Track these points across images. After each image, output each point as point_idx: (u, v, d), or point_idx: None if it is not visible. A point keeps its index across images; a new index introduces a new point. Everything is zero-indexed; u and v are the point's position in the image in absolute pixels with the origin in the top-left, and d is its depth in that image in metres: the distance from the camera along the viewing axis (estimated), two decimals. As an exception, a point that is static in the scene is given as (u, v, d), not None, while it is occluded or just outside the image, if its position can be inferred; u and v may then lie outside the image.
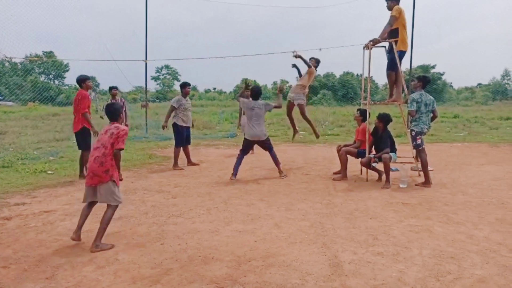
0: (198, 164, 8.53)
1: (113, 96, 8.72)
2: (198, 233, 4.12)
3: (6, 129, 14.78)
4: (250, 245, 3.76)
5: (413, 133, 6.46)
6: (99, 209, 4.96)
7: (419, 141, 6.42)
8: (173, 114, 8.29)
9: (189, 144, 8.58)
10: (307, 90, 8.64)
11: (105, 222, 3.73)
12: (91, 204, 3.93)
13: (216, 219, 4.61)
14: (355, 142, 7.26)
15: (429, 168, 6.62)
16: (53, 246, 3.75)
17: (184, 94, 8.34)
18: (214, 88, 68.47)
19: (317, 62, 8.65)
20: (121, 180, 4.06)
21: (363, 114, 7.09)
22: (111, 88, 8.85)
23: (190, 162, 8.50)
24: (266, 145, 7.25)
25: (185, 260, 3.42)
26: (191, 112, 8.60)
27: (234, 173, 7.01)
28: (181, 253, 3.56)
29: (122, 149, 3.82)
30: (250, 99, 7.29)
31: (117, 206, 3.87)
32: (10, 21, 9.05)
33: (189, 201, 5.44)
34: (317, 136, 9.44)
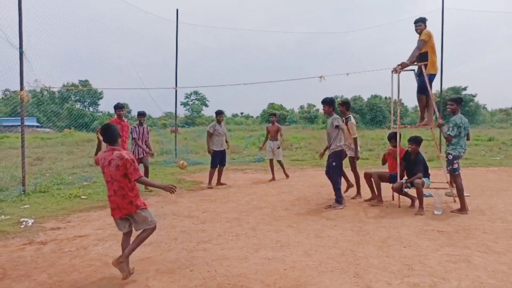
0: (225, 184, 9.34)
1: (141, 123, 8.76)
2: (227, 260, 4.09)
3: (43, 155, 15.44)
4: (280, 273, 3.69)
5: (450, 156, 6.24)
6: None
7: (456, 166, 6.19)
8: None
9: (223, 166, 9.46)
10: (351, 141, 7.60)
11: (138, 242, 3.69)
12: (128, 233, 3.84)
13: (245, 245, 4.58)
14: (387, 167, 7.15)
15: (465, 194, 6.36)
16: (86, 271, 3.81)
17: (218, 121, 9.24)
18: (242, 113, 69.21)
19: (344, 105, 7.62)
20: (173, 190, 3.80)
21: (394, 139, 6.95)
22: (139, 114, 8.92)
23: (219, 182, 9.34)
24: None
25: (214, 287, 3.39)
26: (227, 136, 9.61)
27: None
28: (211, 281, 3.54)
29: (141, 177, 3.64)
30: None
31: (154, 227, 3.79)
32: (48, 53, 9.70)
33: (218, 227, 5.44)
34: (358, 193, 7.72)
